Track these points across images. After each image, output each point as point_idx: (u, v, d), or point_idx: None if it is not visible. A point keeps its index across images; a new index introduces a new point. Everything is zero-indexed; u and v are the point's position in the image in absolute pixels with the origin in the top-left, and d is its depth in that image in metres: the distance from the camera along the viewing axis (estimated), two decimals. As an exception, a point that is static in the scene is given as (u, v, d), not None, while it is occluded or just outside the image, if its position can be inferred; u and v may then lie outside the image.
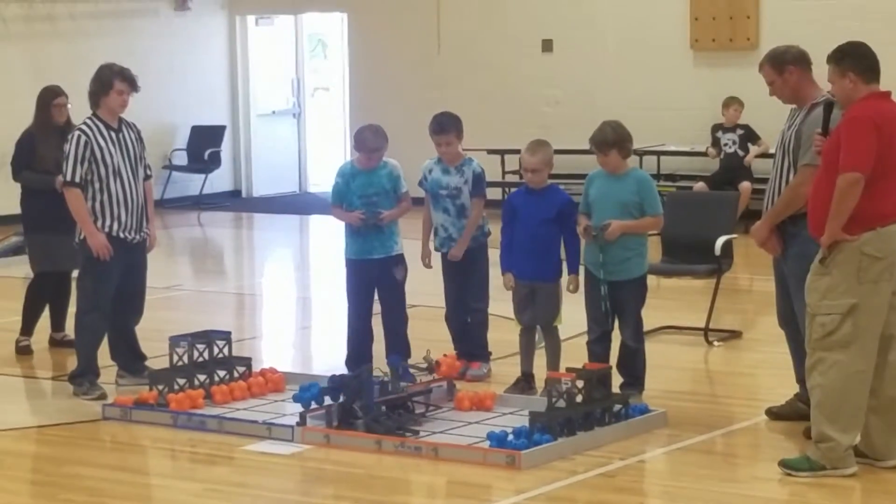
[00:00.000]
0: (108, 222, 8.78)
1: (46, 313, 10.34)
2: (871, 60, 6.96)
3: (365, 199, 8.97)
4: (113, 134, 8.80)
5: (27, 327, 10.19)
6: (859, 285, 6.83)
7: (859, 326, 6.84)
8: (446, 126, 9.01)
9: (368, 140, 8.96)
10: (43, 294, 10.22)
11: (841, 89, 6.94)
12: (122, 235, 8.82)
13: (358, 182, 9.02)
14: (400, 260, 9.07)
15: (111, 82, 8.77)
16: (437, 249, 9.19)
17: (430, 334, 9.46)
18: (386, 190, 8.99)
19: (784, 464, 7.03)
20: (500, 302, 9.16)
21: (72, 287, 10.05)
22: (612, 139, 8.29)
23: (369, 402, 7.72)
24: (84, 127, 8.77)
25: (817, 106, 7.40)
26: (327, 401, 7.85)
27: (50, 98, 9.91)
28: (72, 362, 9.21)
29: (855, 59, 6.93)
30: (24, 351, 10.08)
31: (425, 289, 9.82)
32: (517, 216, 8.59)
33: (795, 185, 7.43)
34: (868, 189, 6.75)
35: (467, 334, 9.13)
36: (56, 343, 10.27)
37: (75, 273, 9.95)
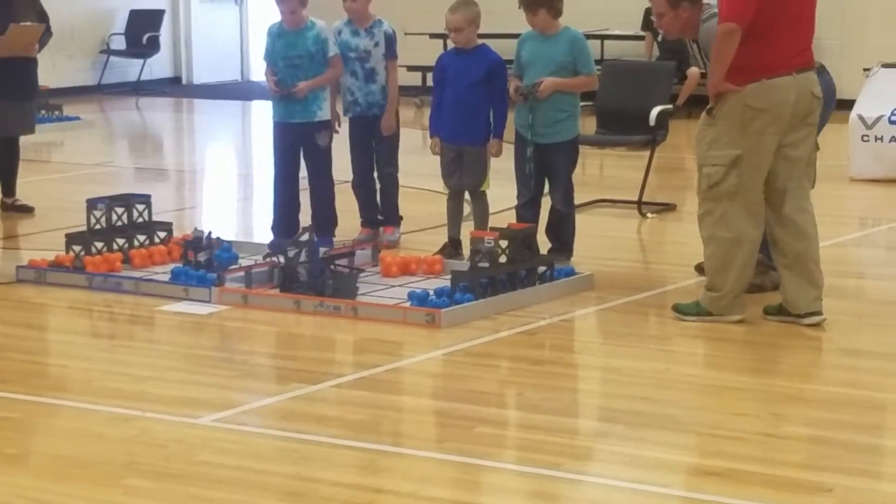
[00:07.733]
0: None
1: None
2: None
3: (288, 60, 8.67)
4: None
5: None
6: (743, 137, 6.79)
7: (743, 178, 6.81)
8: None
9: None
10: None
11: None
12: None
13: (282, 43, 8.71)
14: (324, 126, 8.77)
15: None
16: (344, 114, 8.96)
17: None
18: (311, 52, 8.66)
19: (676, 308, 7.09)
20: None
21: (20, 151, 10.09)
22: None
23: (315, 263, 7.50)
24: None
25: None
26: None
27: None
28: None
29: None
30: None
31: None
32: (446, 77, 8.38)
33: None
34: (755, 40, 6.67)
35: (376, 200, 8.95)
36: (7, 207, 9.98)
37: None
